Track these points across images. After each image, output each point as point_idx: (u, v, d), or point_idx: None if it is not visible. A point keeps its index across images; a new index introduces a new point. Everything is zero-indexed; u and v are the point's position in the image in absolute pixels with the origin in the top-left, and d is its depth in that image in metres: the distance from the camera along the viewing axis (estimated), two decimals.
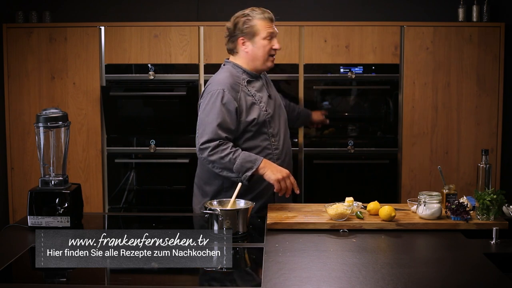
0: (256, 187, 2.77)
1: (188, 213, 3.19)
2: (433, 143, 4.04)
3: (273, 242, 2.29)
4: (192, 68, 4.00)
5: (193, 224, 2.74)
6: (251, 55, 2.79)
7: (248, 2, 4.35)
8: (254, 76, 2.82)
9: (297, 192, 2.68)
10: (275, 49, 2.80)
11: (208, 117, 2.69)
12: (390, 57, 3.98)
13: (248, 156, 2.65)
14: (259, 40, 2.77)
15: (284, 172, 2.64)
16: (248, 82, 2.79)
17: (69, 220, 2.43)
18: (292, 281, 1.91)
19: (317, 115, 3.56)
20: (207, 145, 2.67)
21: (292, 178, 2.65)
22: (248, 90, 2.77)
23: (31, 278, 2.02)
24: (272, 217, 2.52)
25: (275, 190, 2.65)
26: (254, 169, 2.62)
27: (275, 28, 2.82)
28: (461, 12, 4.11)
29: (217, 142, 2.66)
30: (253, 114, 2.74)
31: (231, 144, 2.68)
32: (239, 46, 2.80)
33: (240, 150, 2.68)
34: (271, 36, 2.78)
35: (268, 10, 2.82)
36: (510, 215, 2.59)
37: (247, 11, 2.80)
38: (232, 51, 2.84)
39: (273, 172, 2.63)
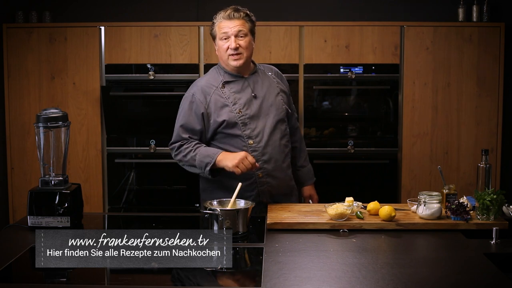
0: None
1: (188, 213, 3.19)
2: (433, 143, 4.04)
3: (273, 242, 2.29)
4: (192, 68, 4.00)
5: (193, 224, 2.74)
6: (219, 57, 2.85)
7: (248, 2, 4.35)
8: (235, 76, 2.82)
9: (257, 166, 2.67)
10: (230, 48, 2.74)
11: (176, 121, 2.84)
12: (390, 57, 3.98)
13: (207, 151, 2.72)
14: (218, 41, 2.79)
15: (239, 155, 2.64)
16: (226, 83, 2.81)
17: (69, 220, 2.43)
18: (292, 281, 1.91)
19: (307, 192, 3.09)
20: (171, 146, 2.83)
21: (250, 157, 2.64)
22: (222, 92, 2.79)
23: (31, 278, 2.02)
24: (272, 217, 2.52)
25: (237, 175, 2.63)
26: (212, 163, 2.67)
27: (237, 26, 2.73)
28: (461, 12, 4.11)
29: (180, 142, 2.78)
30: (223, 116, 2.75)
31: (194, 142, 2.76)
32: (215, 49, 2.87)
33: (201, 146, 2.75)
34: (226, 36, 2.75)
35: (233, 8, 2.76)
36: (510, 215, 2.59)
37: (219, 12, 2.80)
38: None
39: (229, 160, 2.65)
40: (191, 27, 3.99)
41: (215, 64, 3.97)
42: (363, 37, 3.97)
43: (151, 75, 3.99)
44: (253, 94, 2.80)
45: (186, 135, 2.77)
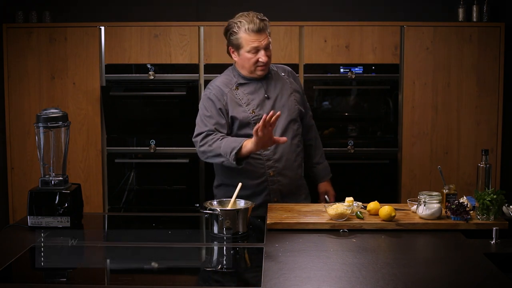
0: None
1: (188, 213, 3.19)
2: (433, 143, 4.04)
3: (273, 242, 2.29)
4: (192, 68, 4.00)
5: (193, 224, 2.74)
6: (240, 64, 2.86)
7: (247, 2, 4.36)
8: (248, 79, 2.86)
9: (277, 114, 2.57)
10: (262, 62, 2.78)
11: (198, 116, 2.88)
12: (390, 57, 3.98)
13: (234, 139, 2.74)
14: (244, 53, 2.79)
15: (264, 140, 2.60)
16: (240, 85, 2.86)
17: (69, 220, 2.43)
18: (292, 281, 1.91)
19: (323, 188, 3.11)
20: (196, 138, 2.84)
21: (270, 129, 2.57)
22: (236, 93, 2.84)
23: (31, 278, 2.02)
24: (272, 217, 2.52)
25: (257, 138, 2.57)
26: (238, 147, 2.66)
27: (266, 38, 2.76)
28: (461, 12, 4.11)
29: (205, 133, 2.80)
30: (237, 115, 2.80)
31: (219, 134, 2.78)
32: (231, 53, 2.87)
33: (228, 137, 2.78)
34: (256, 50, 2.76)
35: (258, 18, 2.76)
36: (510, 215, 2.59)
37: (238, 18, 2.79)
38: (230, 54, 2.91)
39: (255, 144, 2.62)
40: (191, 27, 3.99)
41: (215, 64, 4.01)
42: (363, 37, 3.97)
43: (151, 75, 3.99)
44: (266, 95, 2.85)
45: (212, 126, 2.79)
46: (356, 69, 3.98)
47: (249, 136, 2.74)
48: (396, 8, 4.28)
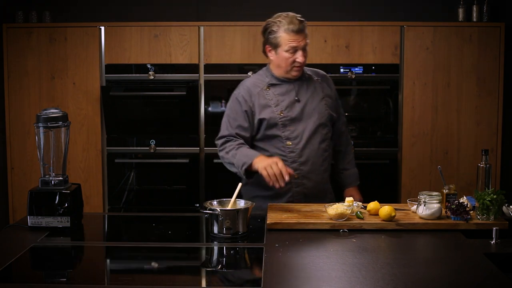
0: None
1: (188, 213, 3.19)
2: (433, 143, 4.04)
3: (273, 242, 2.29)
4: (192, 68, 4.00)
5: (193, 224, 2.74)
6: (276, 63, 2.85)
7: (247, 2, 4.36)
8: (281, 80, 2.86)
9: (291, 173, 2.64)
10: (298, 62, 2.78)
11: (224, 116, 2.90)
12: (390, 57, 3.99)
13: (247, 152, 2.75)
14: (281, 52, 2.79)
15: (271, 159, 2.65)
16: (272, 85, 2.86)
17: (69, 220, 2.43)
18: (292, 281, 1.91)
19: (348, 193, 3.04)
20: (217, 142, 2.89)
21: (280, 163, 2.62)
22: (266, 93, 2.84)
23: (31, 278, 2.02)
24: (272, 217, 2.52)
25: (265, 178, 2.62)
26: (248, 164, 2.68)
27: (304, 40, 2.77)
28: (461, 12, 4.11)
29: (225, 139, 2.84)
30: (265, 115, 2.81)
31: (239, 140, 2.80)
32: (267, 52, 2.87)
33: (244, 147, 2.78)
34: (294, 50, 2.76)
35: (297, 19, 2.78)
36: (510, 215, 2.59)
37: (277, 18, 2.80)
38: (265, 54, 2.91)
39: (261, 162, 2.65)
40: (191, 27, 3.99)
41: (215, 64, 4.01)
42: (363, 37, 3.97)
43: (151, 75, 3.99)
44: (296, 98, 2.84)
45: (233, 131, 2.82)
46: (356, 69, 3.98)
47: (276, 136, 2.79)
48: (396, 8, 4.28)
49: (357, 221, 2.46)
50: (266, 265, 2.04)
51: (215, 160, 3.99)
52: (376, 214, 2.51)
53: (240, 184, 2.50)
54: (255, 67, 3.97)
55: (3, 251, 2.19)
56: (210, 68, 3.98)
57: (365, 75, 3.99)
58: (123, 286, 1.89)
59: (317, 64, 3.98)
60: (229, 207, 2.43)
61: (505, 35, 3.98)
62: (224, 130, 2.86)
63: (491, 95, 4.00)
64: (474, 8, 4.08)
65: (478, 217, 2.45)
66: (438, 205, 2.45)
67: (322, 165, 2.89)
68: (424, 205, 2.45)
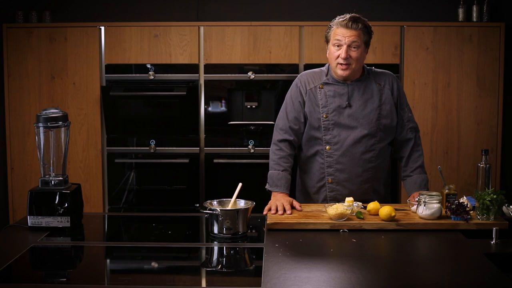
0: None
1: (188, 213, 3.19)
2: (433, 143, 4.04)
3: (273, 242, 2.29)
4: (192, 68, 4.00)
5: (193, 224, 2.74)
6: (329, 60, 2.81)
7: (247, 2, 4.36)
8: (336, 80, 2.80)
9: (297, 208, 2.63)
10: (342, 58, 2.69)
11: (283, 104, 2.90)
12: (390, 57, 3.99)
13: (276, 176, 2.79)
14: (330, 47, 2.76)
15: (279, 199, 2.66)
16: (326, 84, 2.81)
17: (69, 220, 2.43)
18: (292, 281, 1.91)
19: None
20: (273, 135, 2.90)
21: (285, 203, 2.61)
22: (319, 92, 2.80)
23: (31, 278, 2.02)
24: (272, 217, 2.52)
25: (265, 209, 2.63)
26: (269, 188, 2.80)
27: (353, 37, 2.68)
28: (461, 12, 4.11)
29: (275, 143, 2.85)
30: (309, 115, 2.80)
31: (281, 153, 2.81)
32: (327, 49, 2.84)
33: (279, 164, 2.80)
34: (339, 44, 2.70)
35: (351, 15, 2.74)
36: (510, 215, 2.59)
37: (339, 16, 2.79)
38: None
39: (274, 197, 2.72)
40: (191, 27, 3.99)
41: (215, 64, 4.01)
42: None
43: (151, 75, 3.99)
44: (347, 103, 2.77)
45: (287, 124, 2.82)
46: None
47: (316, 138, 2.79)
48: (396, 8, 4.28)
49: (357, 221, 2.46)
50: (266, 265, 2.05)
51: (215, 160, 4.00)
52: (376, 214, 2.51)
53: (240, 184, 2.50)
54: (255, 67, 3.97)
55: (3, 251, 2.19)
56: (210, 68, 3.98)
57: None
58: (123, 286, 1.89)
59: (317, 64, 3.99)
60: (229, 207, 2.43)
61: (505, 35, 3.98)
62: (279, 123, 2.85)
63: (491, 95, 4.00)
64: (474, 8, 4.08)
65: (478, 217, 2.45)
66: (438, 205, 2.45)
67: (361, 176, 2.78)
68: (424, 205, 2.45)
